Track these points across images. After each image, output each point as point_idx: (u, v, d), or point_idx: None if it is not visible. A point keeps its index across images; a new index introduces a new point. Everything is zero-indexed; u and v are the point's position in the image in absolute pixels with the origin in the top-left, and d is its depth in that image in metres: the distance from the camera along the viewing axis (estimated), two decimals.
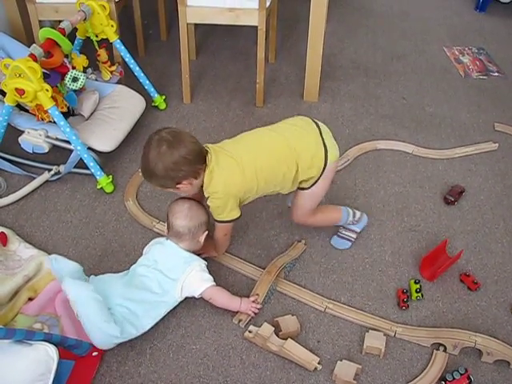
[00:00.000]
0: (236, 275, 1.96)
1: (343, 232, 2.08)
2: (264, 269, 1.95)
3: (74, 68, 2.35)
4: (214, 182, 1.73)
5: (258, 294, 1.84)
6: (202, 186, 1.78)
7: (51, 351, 1.44)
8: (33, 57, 2.09)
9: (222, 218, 1.81)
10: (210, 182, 1.74)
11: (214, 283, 1.78)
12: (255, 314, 1.80)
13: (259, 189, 1.80)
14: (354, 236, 2.08)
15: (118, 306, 1.68)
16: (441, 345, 1.74)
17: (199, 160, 1.72)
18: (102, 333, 1.60)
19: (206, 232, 1.83)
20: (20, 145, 2.27)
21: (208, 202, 1.79)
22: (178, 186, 1.73)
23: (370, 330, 1.76)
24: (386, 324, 1.80)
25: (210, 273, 1.80)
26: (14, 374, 1.40)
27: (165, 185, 1.74)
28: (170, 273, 1.76)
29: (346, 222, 2.04)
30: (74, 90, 2.37)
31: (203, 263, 1.81)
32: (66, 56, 2.34)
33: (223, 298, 1.79)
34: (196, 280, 1.75)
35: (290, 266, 1.98)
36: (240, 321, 1.78)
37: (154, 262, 1.79)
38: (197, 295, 1.77)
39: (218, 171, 1.73)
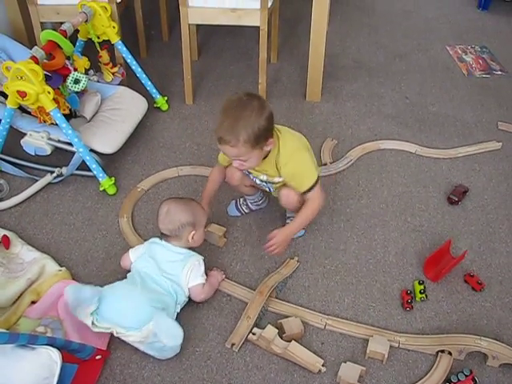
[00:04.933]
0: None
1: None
2: (254, 289, 1.90)
3: (75, 70, 2.35)
4: (289, 141, 1.85)
5: (249, 317, 1.79)
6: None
7: (54, 355, 1.43)
8: (34, 59, 2.08)
9: (314, 176, 1.86)
10: (285, 143, 1.83)
11: (205, 280, 1.81)
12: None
13: None
14: None
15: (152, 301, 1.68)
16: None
17: None
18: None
19: (194, 232, 1.82)
20: (22, 147, 2.27)
21: (291, 173, 1.85)
22: (269, 140, 1.76)
23: (374, 335, 1.74)
24: (388, 335, 1.76)
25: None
26: (17, 378, 1.39)
27: (258, 140, 1.72)
28: (172, 271, 1.77)
29: None
30: (76, 92, 2.36)
31: (200, 259, 1.83)
32: (68, 58, 2.34)
33: (210, 293, 1.86)
34: (192, 277, 1.78)
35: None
36: (233, 345, 1.73)
37: (153, 262, 1.79)
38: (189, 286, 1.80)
39: (286, 135, 1.87)
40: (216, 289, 1.89)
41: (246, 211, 2.21)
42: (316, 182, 1.85)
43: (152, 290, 1.73)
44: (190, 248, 1.86)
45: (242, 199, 2.21)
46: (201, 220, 1.87)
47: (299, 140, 1.91)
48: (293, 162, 1.83)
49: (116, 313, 1.67)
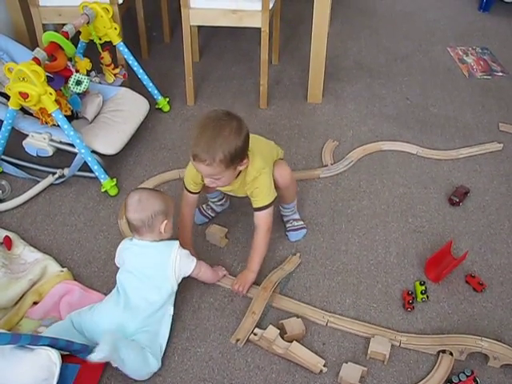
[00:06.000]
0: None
1: (293, 224, 2.14)
2: (259, 284, 1.91)
3: (77, 71, 2.36)
4: (258, 161, 1.82)
5: (254, 312, 1.80)
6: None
7: (53, 356, 1.43)
8: (36, 60, 2.09)
9: (271, 197, 1.86)
10: (253, 164, 1.81)
11: (195, 258, 1.80)
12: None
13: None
14: (302, 222, 2.16)
15: (138, 334, 1.65)
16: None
17: None
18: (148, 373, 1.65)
19: (166, 221, 1.75)
20: (24, 148, 2.27)
21: (255, 187, 1.84)
22: (243, 161, 1.76)
23: (376, 335, 1.74)
24: (390, 334, 1.77)
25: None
26: (16, 379, 1.40)
27: (233, 161, 1.71)
28: (156, 271, 1.73)
29: (293, 208, 2.15)
30: (78, 94, 2.37)
31: (177, 244, 1.77)
32: (70, 59, 2.34)
33: (208, 272, 1.87)
34: (183, 264, 1.76)
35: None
36: (238, 340, 1.74)
37: (134, 269, 1.74)
38: (187, 275, 1.79)
39: (256, 157, 1.83)
40: (216, 280, 1.91)
41: (212, 215, 2.19)
42: (268, 205, 1.86)
43: (135, 308, 1.69)
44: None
45: (204, 205, 2.19)
46: (171, 209, 1.81)
47: (266, 162, 1.87)
48: (257, 180, 1.83)
49: (98, 335, 1.64)
